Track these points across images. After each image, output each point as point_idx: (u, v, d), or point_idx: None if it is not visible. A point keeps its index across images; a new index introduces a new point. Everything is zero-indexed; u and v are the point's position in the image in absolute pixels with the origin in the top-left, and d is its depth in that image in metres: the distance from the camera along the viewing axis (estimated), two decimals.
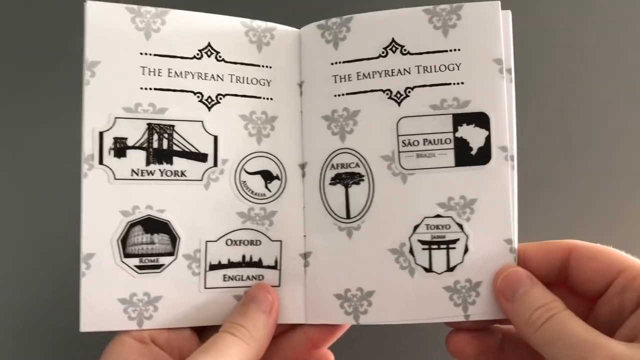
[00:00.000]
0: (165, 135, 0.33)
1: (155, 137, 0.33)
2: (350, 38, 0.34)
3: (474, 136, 0.32)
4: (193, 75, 0.33)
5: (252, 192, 0.33)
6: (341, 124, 0.33)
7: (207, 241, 0.33)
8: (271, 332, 0.32)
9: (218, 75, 0.33)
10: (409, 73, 0.33)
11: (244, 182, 0.33)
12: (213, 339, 0.30)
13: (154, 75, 0.33)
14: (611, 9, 0.47)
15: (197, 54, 0.33)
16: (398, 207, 0.33)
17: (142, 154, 0.32)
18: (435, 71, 0.32)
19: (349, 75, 0.33)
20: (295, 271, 0.34)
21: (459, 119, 0.32)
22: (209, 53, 0.33)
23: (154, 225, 0.32)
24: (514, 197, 0.32)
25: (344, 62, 0.34)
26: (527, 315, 0.29)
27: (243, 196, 0.33)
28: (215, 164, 0.33)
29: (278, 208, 0.34)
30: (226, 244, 0.33)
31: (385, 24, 0.33)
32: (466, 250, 0.32)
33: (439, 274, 0.32)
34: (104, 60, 0.32)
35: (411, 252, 0.32)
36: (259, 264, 0.33)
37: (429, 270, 0.32)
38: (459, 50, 0.32)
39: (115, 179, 0.32)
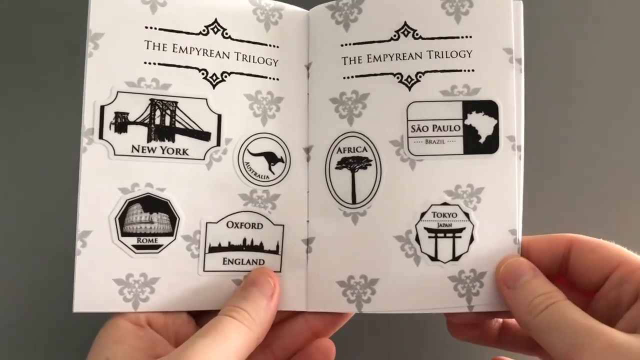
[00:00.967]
0: (168, 112, 0.31)
1: (158, 113, 0.31)
2: (361, 20, 0.33)
3: (482, 124, 0.32)
4: (198, 52, 0.32)
5: (255, 173, 0.32)
6: (349, 106, 0.33)
7: (207, 222, 0.31)
8: (272, 317, 0.31)
9: (224, 53, 0.32)
10: (421, 58, 0.32)
11: (247, 163, 0.32)
12: (213, 322, 0.29)
13: (159, 49, 0.31)
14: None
15: (204, 30, 0.32)
16: (405, 193, 0.32)
17: (143, 130, 0.31)
18: (446, 57, 0.32)
19: (359, 57, 0.33)
20: (297, 257, 0.33)
21: (469, 107, 0.32)
22: (215, 30, 0.32)
23: (153, 203, 0.31)
24: (520, 188, 0.32)
25: (354, 43, 0.33)
26: (527, 301, 0.29)
27: (246, 177, 0.32)
28: (219, 144, 0.32)
29: (281, 191, 0.33)
30: (227, 226, 0.32)
31: (398, 7, 0.33)
32: (472, 239, 0.32)
33: (445, 263, 0.32)
34: (108, 32, 0.31)
35: (417, 239, 0.32)
36: (260, 248, 0.32)
37: (434, 259, 0.32)
38: (470, 37, 0.32)
39: (115, 154, 0.31)
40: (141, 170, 0.31)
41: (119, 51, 0.31)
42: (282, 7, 0.34)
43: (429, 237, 0.32)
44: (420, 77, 0.32)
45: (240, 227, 0.32)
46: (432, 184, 0.32)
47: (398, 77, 0.32)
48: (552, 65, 0.47)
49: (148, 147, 0.31)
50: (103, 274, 0.30)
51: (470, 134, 0.32)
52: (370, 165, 0.32)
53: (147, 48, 0.31)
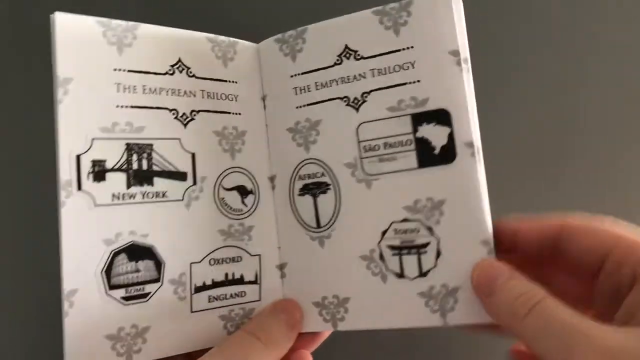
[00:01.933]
0: (145, 155, 0.32)
1: (135, 157, 0.32)
2: (306, 49, 0.34)
3: (435, 135, 0.31)
4: (167, 92, 0.33)
5: (231, 208, 0.34)
6: (304, 134, 0.34)
7: (191, 263, 0.33)
8: (288, 346, 0.32)
9: (190, 91, 0.33)
10: (364, 78, 0.32)
11: (223, 198, 0.34)
12: (236, 339, 0.31)
13: (130, 92, 0.32)
14: None
15: (170, 70, 0.33)
16: (365, 213, 0.32)
17: (122, 177, 0.31)
18: (389, 72, 0.32)
19: (308, 86, 0.33)
20: (274, 283, 0.34)
21: (418, 119, 0.31)
22: (180, 69, 0.33)
23: (138, 251, 0.31)
24: (485, 194, 0.30)
25: (302, 73, 0.34)
26: (508, 305, 0.28)
27: (223, 213, 0.34)
28: (195, 182, 0.33)
29: (255, 222, 0.34)
30: (209, 263, 0.33)
31: (338, 30, 0.33)
32: (439, 254, 0.31)
33: (412, 279, 0.31)
34: (77, 76, 0.30)
35: (381, 258, 0.32)
36: (240, 281, 0.34)
37: (400, 275, 0.31)
38: (411, 47, 0.31)
39: (96, 205, 0.30)
40: (123, 218, 0.31)
41: (90, 96, 0.30)
42: (236, 42, 0.35)
43: (393, 254, 0.32)
44: (366, 97, 0.32)
45: (222, 263, 0.33)
46: (390, 201, 0.32)
47: (345, 100, 0.33)
48: (498, 61, 0.46)
49: (128, 194, 0.31)
50: (94, 332, 0.30)
51: (423, 146, 0.31)
52: (329, 189, 0.33)
53: (118, 91, 0.31)
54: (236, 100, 0.35)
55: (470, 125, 0.30)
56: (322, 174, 0.33)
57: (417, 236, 0.31)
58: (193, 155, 0.33)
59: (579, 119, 0.46)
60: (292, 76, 0.34)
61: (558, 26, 0.47)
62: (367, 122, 0.32)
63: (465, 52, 0.31)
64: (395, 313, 0.32)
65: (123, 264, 0.31)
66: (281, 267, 0.34)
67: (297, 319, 0.33)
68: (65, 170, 0.30)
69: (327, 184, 0.33)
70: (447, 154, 0.31)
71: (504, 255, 0.31)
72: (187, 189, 0.33)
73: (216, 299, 0.33)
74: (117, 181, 0.31)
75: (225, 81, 0.34)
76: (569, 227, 0.30)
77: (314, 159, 0.33)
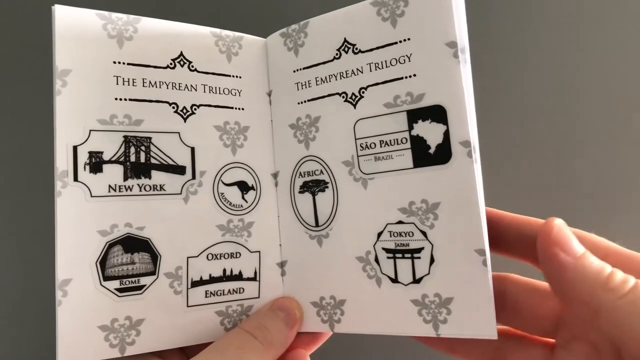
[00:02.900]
0: (143, 148, 0.32)
1: (132, 150, 0.31)
2: (307, 43, 0.33)
3: (430, 133, 0.29)
4: (167, 85, 0.32)
5: (230, 203, 0.34)
6: (305, 131, 0.33)
7: (188, 257, 0.32)
8: (287, 345, 0.32)
9: (192, 85, 0.33)
10: (362, 72, 0.31)
11: (222, 193, 0.34)
12: (233, 336, 0.30)
13: (129, 85, 0.32)
14: None
15: (171, 64, 0.33)
16: (361, 213, 0.31)
17: (119, 169, 0.31)
18: (386, 67, 0.30)
19: (309, 81, 0.33)
20: (274, 281, 0.34)
21: (414, 116, 0.29)
22: (182, 63, 0.33)
23: (134, 243, 0.31)
24: (481, 196, 0.28)
25: (303, 68, 0.33)
26: (602, 276, 0.24)
27: (222, 208, 0.34)
28: (194, 177, 0.33)
29: (255, 218, 0.34)
30: (207, 258, 0.33)
31: (338, 23, 0.32)
32: (432, 260, 0.29)
33: (405, 285, 0.30)
34: (76, 68, 0.30)
35: (377, 260, 0.31)
36: (239, 277, 0.34)
37: (395, 280, 0.30)
38: (408, 39, 0.29)
39: (92, 196, 0.30)
40: (119, 210, 0.31)
41: (88, 88, 0.30)
42: (242, 37, 0.35)
43: (388, 257, 0.30)
44: (363, 92, 0.31)
45: (220, 258, 0.34)
46: (386, 202, 0.30)
47: (343, 96, 0.31)
48: (499, 56, 0.43)
49: (125, 186, 0.31)
50: (87, 323, 0.30)
51: (418, 145, 0.29)
52: (327, 187, 0.32)
53: (117, 83, 0.31)
54: (239, 95, 0.34)
55: (466, 122, 0.28)
56: (321, 172, 0.32)
57: (411, 240, 0.30)
58: (192, 149, 0.33)
59: (581, 119, 0.43)
60: (294, 71, 0.33)
61: (563, 24, 0.43)
62: (364, 118, 0.31)
63: (463, 42, 0.28)
64: (388, 319, 0.30)
65: (118, 256, 0.31)
66: (282, 264, 0.34)
67: (297, 317, 0.32)
68: (62, 161, 0.30)
69: (325, 182, 0.32)
70: (443, 154, 0.29)
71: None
72: (185, 183, 0.33)
73: (213, 295, 0.33)
74: (114, 173, 0.31)
75: (229, 76, 0.34)
76: (511, 283, 0.29)
77: (313, 156, 0.33)
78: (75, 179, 0.30)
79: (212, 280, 0.33)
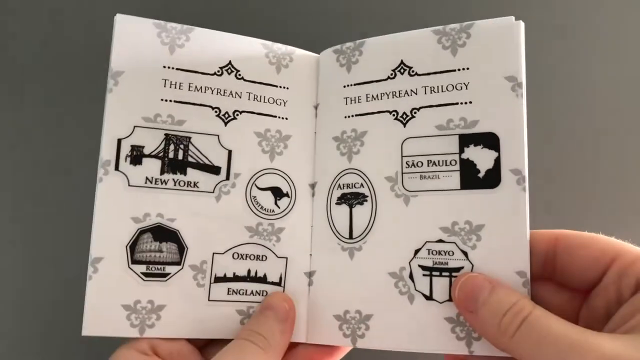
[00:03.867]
0: (181, 146, 0.34)
1: (172, 147, 0.34)
2: (362, 61, 0.34)
3: (481, 158, 0.30)
4: (212, 91, 0.34)
5: (262, 207, 0.34)
6: (349, 144, 0.34)
7: (214, 253, 0.33)
8: (287, 340, 0.32)
9: (236, 92, 0.35)
10: (416, 94, 0.32)
11: (255, 197, 0.34)
12: (230, 346, 0.30)
13: (175, 88, 0.34)
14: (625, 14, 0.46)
15: (218, 71, 0.35)
16: (399, 229, 0.32)
17: (157, 163, 0.33)
18: (442, 91, 0.32)
19: (358, 97, 0.34)
20: (299, 289, 0.34)
21: (466, 140, 0.31)
22: (229, 71, 0.35)
23: (163, 233, 0.33)
24: (527, 224, 0.29)
25: (355, 84, 0.34)
26: (496, 323, 0.27)
27: (252, 211, 0.34)
28: (228, 178, 0.34)
29: (286, 225, 0.34)
30: (233, 257, 0.34)
31: (395, 46, 0.33)
32: None
33: (440, 303, 0.30)
34: (128, 70, 0.33)
35: (411, 277, 0.31)
36: (263, 280, 0.34)
37: (429, 297, 0.30)
38: (467, 69, 0.31)
39: (130, 185, 0.33)
40: (153, 201, 0.33)
41: (137, 88, 0.33)
42: (293, 51, 0.36)
43: (424, 275, 0.31)
44: (415, 113, 0.32)
45: (245, 259, 0.34)
46: (427, 220, 0.31)
47: (394, 114, 0.33)
48: (553, 87, 0.46)
49: (161, 179, 0.33)
50: (112, 300, 0.32)
51: (467, 168, 0.30)
52: (366, 201, 0.33)
53: (165, 86, 0.34)
54: (284, 105, 0.35)
55: (518, 152, 0.30)
56: (361, 185, 0.33)
57: (450, 259, 0.30)
58: (230, 152, 0.34)
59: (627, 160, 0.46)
60: (344, 86, 0.34)
61: (622, 64, 0.46)
62: (413, 137, 0.32)
63: (521, 77, 0.30)
64: (418, 336, 0.30)
65: (147, 242, 0.33)
66: (310, 274, 0.34)
67: (286, 309, 0.32)
68: (107, 151, 0.33)
69: (364, 195, 0.33)
70: (492, 179, 0.30)
71: None
72: (219, 183, 0.34)
73: (235, 293, 0.33)
74: (152, 166, 0.33)
75: (276, 86, 0.35)
76: (564, 239, 0.29)
77: (355, 169, 0.33)
78: (117, 168, 0.33)
79: (236, 278, 0.33)
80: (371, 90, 0.33)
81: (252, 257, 0.34)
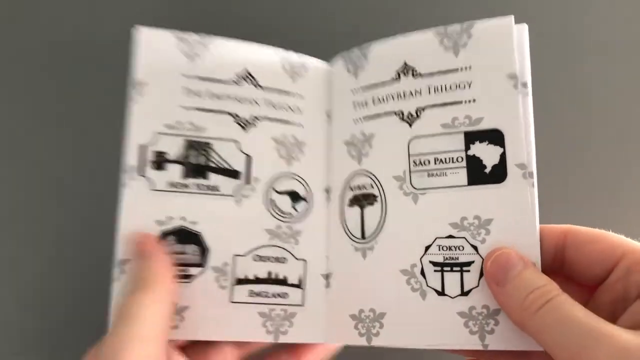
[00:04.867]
0: (203, 152, 0.35)
1: (193, 152, 0.35)
2: (367, 66, 0.35)
3: (487, 154, 0.31)
4: (231, 98, 0.36)
5: (280, 210, 0.35)
6: (358, 147, 0.35)
7: (235, 255, 0.34)
8: (166, 269, 0.31)
9: (254, 99, 0.36)
10: (420, 94, 0.33)
11: (273, 200, 0.35)
12: (122, 306, 0.30)
13: (195, 96, 0.35)
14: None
15: (236, 79, 0.36)
16: (409, 226, 0.32)
17: (179, 168, 0.35)
18: (445, 90, 0.32)
19: (366, 101, 0.35)
20: (318, 291, 0.35)
21: (471, 137, 0.31)
22: (246, 79, 0.36)
23: (186, 235, 0.34)
24: (536, 217, 0.30)
25: (361, 88, 0.35)
26: (521, 298, 0.27)
27: (271, 214, 0.35)
28: (248, 182, 0.35)
29: (303, 228, 0.35)
30: (253, 259, 0.35)
31: (399, 48, 0.34)
32: (482, 273, 0.30)
33: (453, 297, 0.30)
34: (151, 81, 0.35)
35: (422, 273, 0.31)
36: (284, 282, 0.35)
37: (441, 293, 0.31)
38: (469, 68, 0.32)
39: (153, 189, 0.34)
40: (176, 205, 0.34)
41: (160, 97, 0.35)
42: (307, 61, 0.37)
43: (435, 270, 0.31)
44: (420, 113, 0.33)
45: (266, 261, 0.35)
46: (436, 216, 0.32)
47: (400, 115, 0.33)
48: (560, 87, 0.45)
49: (183, 183, 0.34)
50: None
51: (474, 164, 0.31)
52: (376, 201, 0.33)
53: (185, 95, 0.35)
54: (300, 113, 0.37)
55: (523, 147, 0.30)
56: (371, 186, 0.34)
57: (461, 254, 0.31)
58: (249, 157, 0.35)
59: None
60: (352, 91, 0.35)
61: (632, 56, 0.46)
62: (420, 136, 0.33)
63: (524, 77, 0.31)
64: (432, 332, 0.31)
65: (171, 245, 0.34)
66: (327, 276, 0.35)
67: (145, 245, 0.32)
68: (131, 158, 0.34)
69: (374, 196, 0.34)
70: (498, 174, 0.30)
71: None
72: (238, 187, 0.35)
73: (257, 295, 0.34)
74: (174, 171, 0.35)
75: (291, 94, 0.37)
76: (573, 234, 0.30)
77: (365, 170, 0.34)
78: (141, 173, 0.34)
79: (257, 281, 0.34)
80: (378, 93, 0.34)
81: (272, 259, 0.35)
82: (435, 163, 0.32)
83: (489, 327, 0.30)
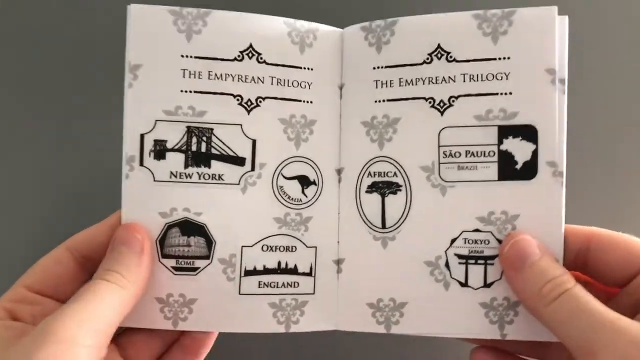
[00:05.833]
0: (204, 139, 0.32)
1: (194, 140, 0.32)
2: (394, 42, 0.32)
3: (519, 150, 0.31)
4: (233, 78, 0.32)
5: (289, 197, 0.33)
6: (380, 131, 0.32)
7: (242, 246, 0.32)
8: (146, 271, 0.31)
9: (259, 78, 0.32)
10: (454, 81, 0.31)
11: (281, 187, 0.33)
12: (86, 287, 0.29)
13: (194, 77, 0.32)
14: None
15: (238, 56, 0.32)
16: (436, 219, 0.32)
17: (181, 157, 0.32)
18: (482, 80, 0.31)
19: (390, 81, 0.32)
20: (329, 278, 0.33)
21: (505, 131, 0.31)
22: (250, 55, 0.32)
23: (190, 227, 0.32)
24: (562, 217, 0.31)
25: (386, 67, 0.32)
26: (538, 286, 0.28)
27: (280, 201, 0.33)
28: (253, 168, 0.32)
29: (314, 214, 0.33)
30: (262, 249, 0.33)
31: (432, 28, 0.32)
32: None
33: (475, 289, 0.31)
34: (146, 63, 0.32)
35: (447, 265, 0.32)
36: (294, 271, 0.33)
37: (464, 284, 0.31)
38: (508, 58, 0.31)
39: (155, 180, 0.32)
40: (179, 196, 0.32)
41: (156, 81, 0.32)
42: (317, 28, 0.33)
43: (459, 263, 0.32)
44: (453, 101, 0.31)
45: (275, 250, 0.33)
46: (464, 210, 0.31)
47: (430, 102, 0.32)
48: (598, 84, 0.44)
49: (185, 173, 0.32)
50: (146, 293, 0.31)
51: (505, 159, 0.31)
52: (400, 190, 0.32)
53: (184, 76, 0.32)
54: (309, 88, 0.33)
55: (555, 145, 0.30)
56: (395, 174, 0.32)
57: (486, 247, 0.31)
58: (254, 142, 0.33)
59: None
60: (374, 68, 0.32)
61: None
62: (451, 127, 0.31)
63: (562, 73, 0.30)
64: (452, 321, 0.32)
65: (175, 237, 0.33)
66: (338, 262, 0.33)
67: (139, 241, 0.31)
68: (130, 147, 0.32)
69: (398, 185, 0.32)
70: (529, 170, 0.31)
71: None
72: (244, 174, 0.33)
73: (267, 286, 0.33)
74: (175, 161, 0.33)
75: (300, 68, 0.33)
76: (598, 238, 0.31)
77: (388, 157, 0.32)
78: (141, 164, 0.32)
79: (266, 271, 0.33)
80: (405, 74, 0.32)
81: (281, 248, 0.33)
82: (466, 156, 0.31)
83: (508, 318, 0.31)
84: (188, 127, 0.32)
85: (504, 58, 0.31)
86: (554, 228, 0.30)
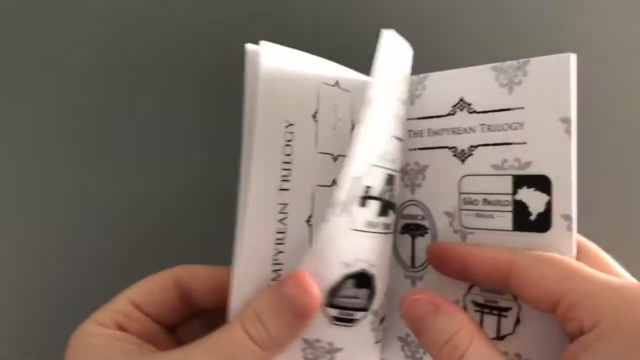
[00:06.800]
0: (393, 187, 0.32)
1: (388, 187, 0.31)
2: (424, 95, 0.35)
3: (533, 200, 0.30)
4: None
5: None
6: (412, 177, 0.35)
7: (384, 295, 0.33)
8: (295, 338, 0.28)
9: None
10: (474, 131, 0.32)
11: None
12: (219, 334, 0.26)
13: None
14: None
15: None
16: None
17: (377, 205, 0.31)
18: (498, 130, 0.31)
19: (420, 131, 0.35)
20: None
21: (519, 181, 0.30)
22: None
23: (363, 279, 0.30)
24: None
25: (417, 118, 0.35)
26: (436, 351, 0.28)
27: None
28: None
29: None
30: (384, 294, 0.33)
31: (456, 82, 0.33)
32: (518, 321, 0.30)
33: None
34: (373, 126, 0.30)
35: (465, 310, 0.32)
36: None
37: None
38: (522, 108, 0.30)
39: (352, 229, 0.29)
40: (364, 245, 0.30)
41: (378, 137, 0.30)
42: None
43: (476, 310, 0.32)
44: (472, 150, 0.32)
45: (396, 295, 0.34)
46: None
47: (453, 151, 0.33)
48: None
49: (374, 223, 0.31)
50: None
51: (520, 209, 0.30)
52: (427, 233, 0.34)
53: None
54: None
55: (569, 197, 0.29)
56: (422, 217, 0.34)
57: (500, 298, 0.31)
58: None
59: None
60: (408, 119, 0.35)
61: None
62: (470, 175, 0.32)
63: (574, 119, 0.29)
64: None
65: (349, 288, 0.30)
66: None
67: (305, 305, 0.27)
68: (343, 192, 0.29)
69: (425, 228, 0.34)
70: (543, 223, 0.29)
71: (457, 274, 0.31)
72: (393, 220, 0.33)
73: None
74: (373, 209, 0.31)
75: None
76: (517, 270, 0.28)
77: (417, 201, 0.35)
78: (346, 209, 0.29)
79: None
80: (432, 125, 0.34)
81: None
82: (483, 204, 0.32)
83: None
84: (388, 175, 0.31)
85: (519, 108, 0.30)
86: None
